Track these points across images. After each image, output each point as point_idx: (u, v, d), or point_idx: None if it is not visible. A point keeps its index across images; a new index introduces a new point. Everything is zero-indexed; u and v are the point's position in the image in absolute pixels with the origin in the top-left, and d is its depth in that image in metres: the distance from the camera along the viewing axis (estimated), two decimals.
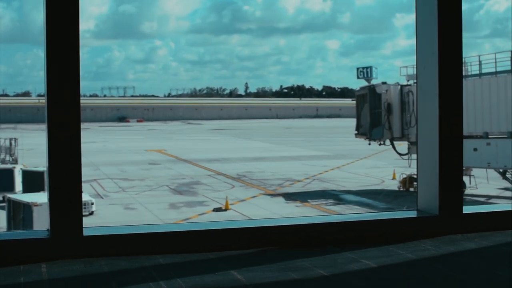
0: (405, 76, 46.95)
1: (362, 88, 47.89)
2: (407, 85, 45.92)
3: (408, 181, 42.87)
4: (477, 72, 41.36)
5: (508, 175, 39.56)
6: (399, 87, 45.89)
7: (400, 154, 45.42)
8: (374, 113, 45.81)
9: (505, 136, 38.93)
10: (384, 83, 47.88)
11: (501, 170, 40.06)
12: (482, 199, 38.20)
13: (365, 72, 50.15)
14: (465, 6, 5.59)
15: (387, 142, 46.13)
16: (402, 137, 45.46)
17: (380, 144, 46.79)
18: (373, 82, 48.07)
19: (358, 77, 51.54)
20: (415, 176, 42.96)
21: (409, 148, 44.74)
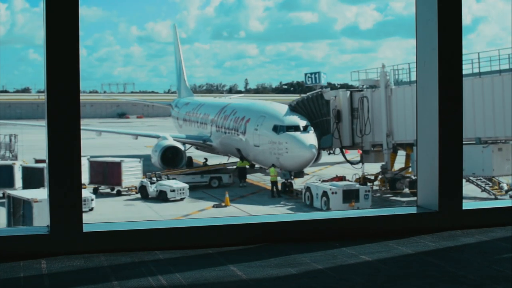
0: (357, 81, 43.38)
1: (308, 96, 43.76)
2: (359, 90, 42.13)
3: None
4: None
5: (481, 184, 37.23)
6: (348, 93, 41.92)
7: (352, 163, 42.19)
8: (322, 121, 41.92)
9: (473, 142, 35.65)
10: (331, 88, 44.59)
11: (470, 178, 36.39)
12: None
13: (313, 77, 45.08)
14: None
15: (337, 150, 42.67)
16: (352, 146, 42.17)
17: (329, 154, 43.62)
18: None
19: (306, 83, 47.15)
20: (368, 177, 41.31)
21: (362, 157, 42.02)
